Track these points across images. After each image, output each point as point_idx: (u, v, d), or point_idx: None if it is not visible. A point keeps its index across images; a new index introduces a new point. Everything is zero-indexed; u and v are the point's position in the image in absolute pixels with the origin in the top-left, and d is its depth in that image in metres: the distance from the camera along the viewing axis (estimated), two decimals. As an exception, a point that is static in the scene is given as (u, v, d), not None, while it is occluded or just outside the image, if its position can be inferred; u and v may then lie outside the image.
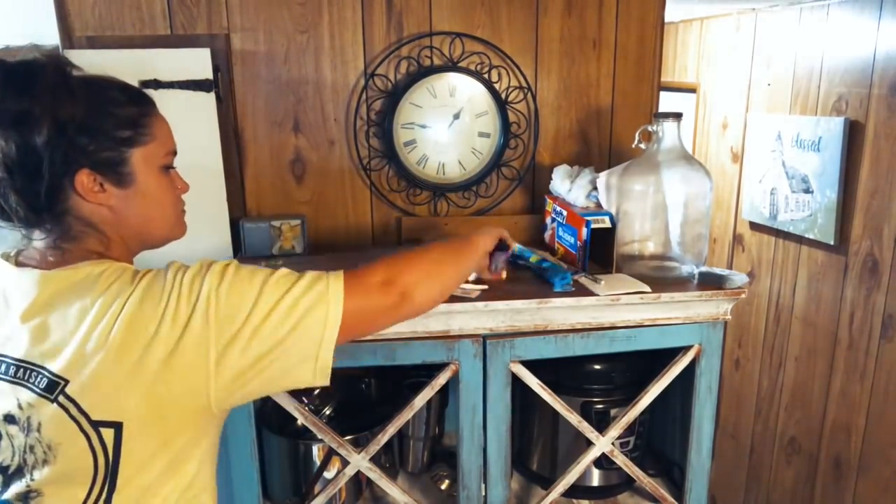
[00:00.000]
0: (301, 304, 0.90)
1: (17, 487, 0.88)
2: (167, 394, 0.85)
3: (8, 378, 0.87)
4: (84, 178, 0.89)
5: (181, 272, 0.89)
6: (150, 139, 0.95)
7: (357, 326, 0.96)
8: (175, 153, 1.01)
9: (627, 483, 1.60)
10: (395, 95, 1.63)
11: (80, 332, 0.85)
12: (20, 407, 0.86)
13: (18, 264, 0.93)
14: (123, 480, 0.86)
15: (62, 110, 0.86)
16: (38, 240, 0.92)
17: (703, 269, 1.38)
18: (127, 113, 0.92)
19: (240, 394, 0.90)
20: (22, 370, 0.86)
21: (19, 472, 0.88)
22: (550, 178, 1.64)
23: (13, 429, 0.87)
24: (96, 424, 0.84)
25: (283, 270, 0.93)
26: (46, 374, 0.85)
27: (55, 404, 0.84)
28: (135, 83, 1.49)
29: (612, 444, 1.43)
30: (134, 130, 0.93)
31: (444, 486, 1.59)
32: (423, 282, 1.03)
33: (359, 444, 1.37)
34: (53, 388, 0.84)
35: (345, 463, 1.37)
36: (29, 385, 0.85)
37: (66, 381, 0.84)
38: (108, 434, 0.85)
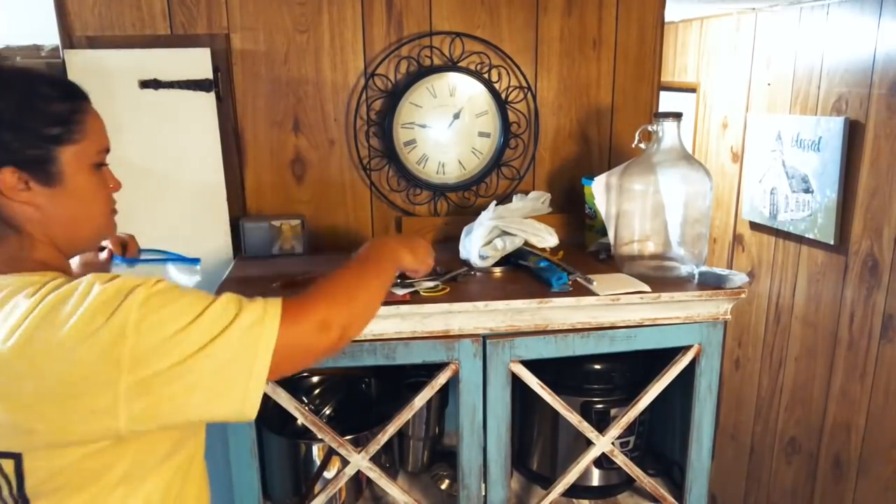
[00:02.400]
0: (231, 336, 0.83)
1: None
2: (65, 422, 0.79)
3: None
4: (7, 177, 0.85)
5: (88, 291, 0.81)
6: (81, 137, 0.91)
7: (291, 361, 0.90)
8: (108, 150, 0.98)
9: (627, 483, 1.60)
10: (395, 95, 1.63)
11: None
12: None
13: None
14: None
15: None
16: None
17: (703, 268, 1.38)
18: (57, 109, 0.89)
19: (153, 420, 0.82)
20: None
21: None
22: (546, 180, 1.64)
23: None
24: None
25: (217, 307, 0.84)
26: None
27: None
28: (135, 83, 1.50)
29: (612, 443, 1.43)
30: (63, 128, 0.89)
31: (444, 486, 1.59)
32: (360, 318, 0.99)
33: (359, 444, 1.37)
34: None
35: (345, 462, 1.37)
36: None
37: None
38: (7, 465, 0.82)
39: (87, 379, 0.78)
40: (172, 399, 0.81)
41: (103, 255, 1.25)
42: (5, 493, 0.83)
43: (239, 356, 0.83)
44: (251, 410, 0.85)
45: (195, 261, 1.26)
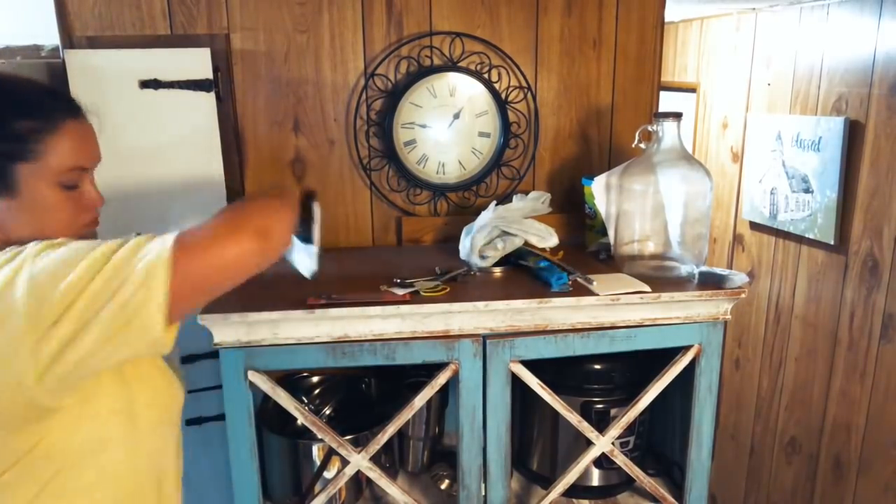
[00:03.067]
0: (119, 279, 0.82)
1: None
2: None
3: None
4: None
5: (9, 266, 0.82)
6: (38, 156, 0.90)
7: (202, 287, 0.89)
8: (83, 169, 0.97)
9: (627, 483, 1.60)
10: (395, 95, 1.63)
11: None
12: None
13: None
14: None
15: None
16: None
17: (703, 268, 1.38)
18: (18, 126, 0.89)
19: (70, 376, 0.83)
20: None
21: None
22: (546, 180, 1.64)
23: None
24: None
25: (107, 245, 0.85)
26: None
27: None
28: (135, 83, 1.50)
29: (612, 443, 1.43)
30: (19, 145, 0.89)
31: (444, 486, 1.59)
32: (274, 218, 0.97)
33: (359, 444, 1.37)
34: None
35: (345, 462, 1.37)
36: None
37: None
38: None
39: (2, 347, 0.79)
40: (79, 348, 0.81)
41: None
42: None
43: (126, 302, 0.82)
44: (162, 346, 0.85)
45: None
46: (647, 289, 1.32)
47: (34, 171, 0.90)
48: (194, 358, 1.54)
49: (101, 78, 1.48)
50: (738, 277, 1.33)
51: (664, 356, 1.40)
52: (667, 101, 2.06)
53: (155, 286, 0.82)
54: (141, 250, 0.84)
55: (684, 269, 1.41)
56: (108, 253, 0.83)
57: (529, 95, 1.71)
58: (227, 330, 1.24)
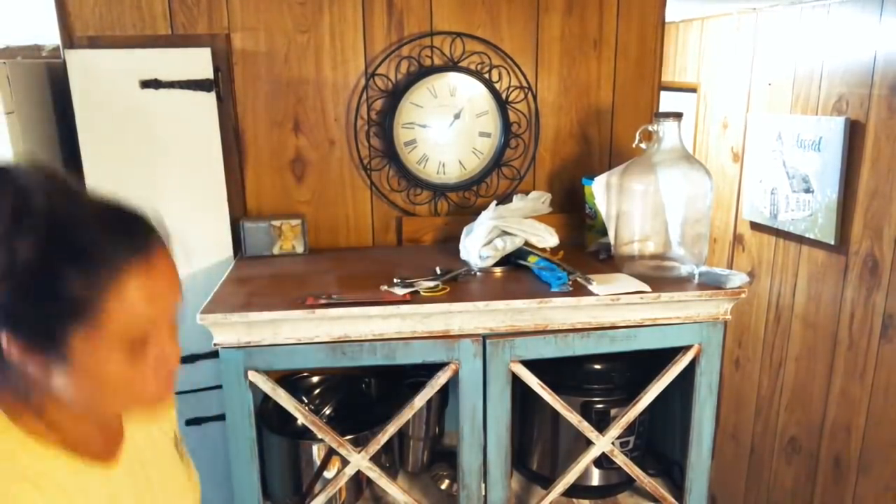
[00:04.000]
0: None
1: None
2: None
3: None
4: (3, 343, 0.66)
5: None
6: (100, 316, 0.68)
7: None
8: (157, 321, 0.74)
9: (627, 483, 1.60)
10: (395, 95, 1.63)
11: None
12: None
13: None
14: None
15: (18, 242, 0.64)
16: None
17: (704, 268, 1.38)
18: (71, 285, 0.66)
19: None
20: None
21: None
22: (547, 180, 1.64)
23: None
24: None
25: None
26: None
27: None
28: (135, 83, 1.50)
29: (612, 443, 1.43)
30: (72, 306, 0.67)
31: (444, 486, 1.59)
32: None
33: (359, 444, 1.37)
34: None
35: (345, 462, 1.37)
36: None
37: None
38: None
39: None
40: None
41: None
42: None
43: None
44: None
45: None
46: (648, 289, 1.32)
47: (89, 333, 0.68)
48: (194, 358, 1.55)
49: (101, 78, 1.48)
50: (738, 277, 1.33)
51: (664, 356, 1.40)
52: (667, 101, 2.06)
53: None
54: None
55: (684, 269, 1.41)
56: None
57: (530, 95, 1.71)
58: (228, 330, 1.24)
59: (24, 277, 0.65)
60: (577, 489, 1.54)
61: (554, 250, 1.51)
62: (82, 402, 0.74)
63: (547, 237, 1.46)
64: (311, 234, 1.66)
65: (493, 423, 1.35)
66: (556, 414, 1.42)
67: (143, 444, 0.87)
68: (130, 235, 0.71)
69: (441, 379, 1.32)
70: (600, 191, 1.52)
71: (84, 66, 1.47)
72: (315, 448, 1.47)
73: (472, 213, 1.66)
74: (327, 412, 1.66)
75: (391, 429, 1.34)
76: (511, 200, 1.61)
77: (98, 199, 0.72)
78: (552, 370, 1.41)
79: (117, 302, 0.68)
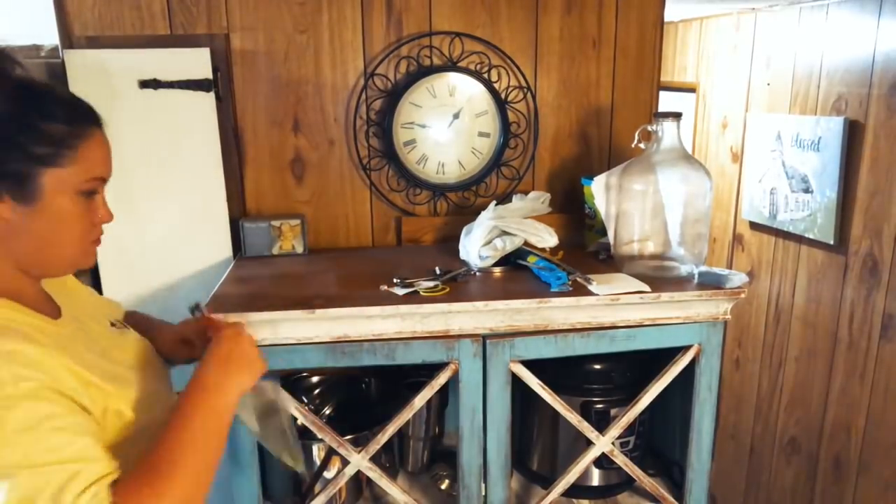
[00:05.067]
0: None
1: None
2: None
3: None
4: None
5: None
6: (71, 161, 0.88)
7: None
8: (104, 180, 0.94)
9: (627, 483, 1.60)
10: (394, 95, 1.63)
11: None
12: None
13: None
14: None
15: None
16: None
17: (703, 268, 1.38)
18: (52, 130, 0.86)
19: None
20: None
21: None
22: (546, 180, 1.64)
23: None
24: None
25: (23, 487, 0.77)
26: None
27: None
28: (135, 83, 1.50)
29: (612, 443, 1.43)
30: (52, 149, 0.86)
31: (444, 486, 1.59)
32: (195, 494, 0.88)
33: (359, 444, 1.37)
34: None
35: (345, 462, 1.37)
36: None
37: None
38: None
39: None
40: None
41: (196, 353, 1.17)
42: None
43: None
44: None
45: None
46: (647, 289, 1.32)
47: (59, 177, 0.87)
48: (195, 358, 1.54)
49: (100, 78, 1.48)
50: (738, 277, 1.33)
51: (664, 356, 1.40)
52: (666, 101, 2.06)
53: None
54: None
55: (684, 269, 1.41)
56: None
57: (529, 95, 1.71)
58: (227, 330, 1.23)
59: (7, 131, 0.84)
60: (577, 489, 1.54)
61: (553, 250, 1.51)
62: (44, 241, 0.89)
63: (546, 237, 1.46)
64: (310, 235, 1.66)
65: (492, 423, 1.35)
66: (556, 414, 1.41)
67: (75, 313, 1.01)
68: (92, 110, 0.93)
69: (441, 379, 1.32)
70: (600, 191, 1.52)
71: (83, 67, 1.47)
72: (315, 448, 1.47)
73: (471, 213, 1.66)
74: (327, 412, 1.66)
75: (391, 429, 1.34)
76: (510, 200, 1.61)
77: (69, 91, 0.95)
78: (552, 370, 1.41)
79: (85, 153, 0.89)
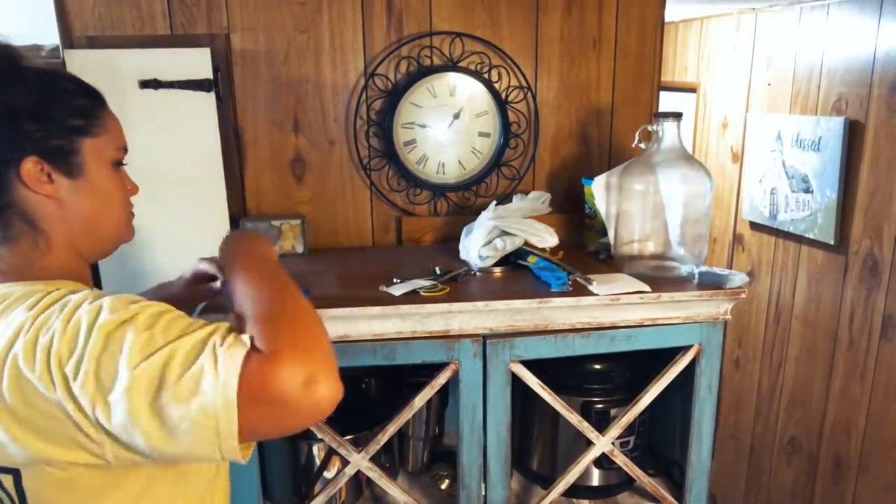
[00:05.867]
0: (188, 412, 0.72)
1: None
2: (46, 442, 0.75)
3: None
4: (30, 166, 0.84)
5: (74, 316, 0.76)
6: (103, 131, 0.92)
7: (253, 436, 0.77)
8: (126, 150, 0.97)
9: (627, 483, 1.60)
10: (395, 95, 1.63)
11: None
12: None
13: None
14: None
15: (9, 96, 0.84)
16: None
17: (704, 268, 1.38)
18: (79, 103, 0.90)
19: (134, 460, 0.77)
20: None
21: None
22: (546, 180, 1.64)
23: None
24: None
25: (184, 349, 0.74)
26: None
27: None
28: (135, 83, 1.50)
29: (612, 443, 1.43)
30: (86, 120, 0.90)
31: (444, 486, 1.59)
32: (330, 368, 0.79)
33: (359, 444, 1.37)
34: None
35: (345, 462, 1.37)
36: None
37: None
38: (7, 480, 0.80)
39: (65, 408, 0.73)
40: (141, 439, 0.73)
41: (216, 284, 1.20)
42: None
43: (198, 424, 0.73)
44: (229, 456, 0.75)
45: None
46: (647, 289, 1.32)
47: (97, 147, 0.91)
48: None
49: (100, 78, 1.46)
50: (738, 277, 1.33)
51: (664, 356, 1.40)
52: (667, 101, 2.06)
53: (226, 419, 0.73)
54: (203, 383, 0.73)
55: (684, 269, 1.41)
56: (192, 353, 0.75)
57: (529, 95, 1.71)
58: (227, 330, 1.24)
59: (38, 109, 0.86)
60: (577, 489, 1.54)
61: (554, 250, 1.51)
62: (95, 214, 0.92)
63: (547, 237, 1.46)
64: (310, 234, 1.66)
65: (493, 423, 1.35)
66: (556, 414, 1.41)
67: None
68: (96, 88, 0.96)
69: (441, 379, 1.32)
70: (600, 191, 1.52)
71: (83, 66, 1.47)
72: (315, 448, 1.47)
73: (471, 213, 1.66)
74: (327, 412, 1.66)
75: (391, 429, 1.34)
76: (511, 200, 1.61)
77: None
78: (552, 370, 1.41)
79: (111, 121, 0.94)
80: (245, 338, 0.76)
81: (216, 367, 0.73)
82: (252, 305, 0.87)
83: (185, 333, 0.76)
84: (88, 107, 0.91)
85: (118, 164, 0.95)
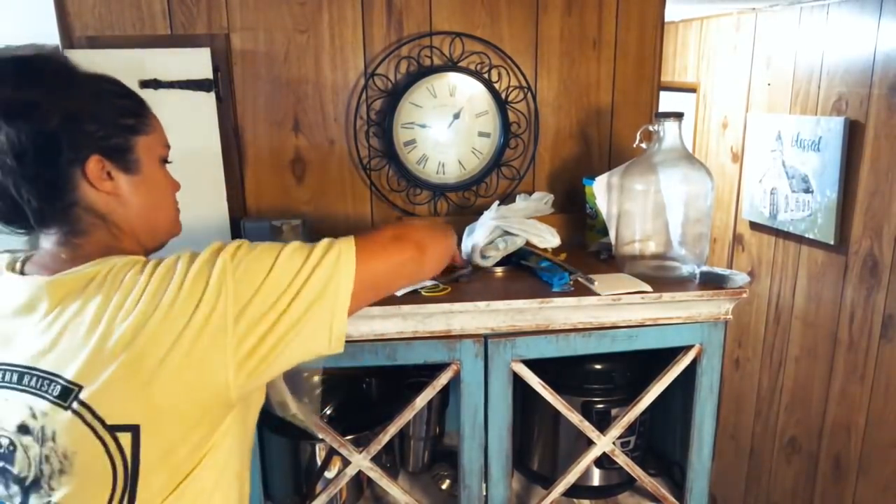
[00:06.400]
0: (314, 276, 0.89)
1: (35, 500, 0.86)
2: (184, 388, 0.84)
3: (18, 387, 0.85)
4: (93, 165, 0.90)
5: (190, 259, 0.87)
6: (151, 129, 0.97)
7: (373, 288, 0.98)
8: (169, 147, 1.03)
9: (628, 483, 1.60)
10: (395, 95, 1.63)
11: (95, 335, 0.82)
12: (34, 416, 0.84)
13: (24, 273, 0.92)
14: (144, 484, 0.84)
15: (70, 99, 0.89)
16: (48, 237, 0.92)
17: (705, 268, 1.38)
18: (128, 103, 0.96)
19: (258, 373, 0.88)
20: (35, 378, 0.84)
21: (36, 484, 0.86)
22: (547, 180, 1.64)
23: (27, 439, 0.85)
24: (112, 429, 0.82)
25: (295, 244, 0.92)
26: (61, 381, 0.83)
27: (69, 411, 0.82)
28: (135, 83, 1.50)
29: (613, 443, 1.43)
30: (136, 119, 0.95)
31: (444, 486, 1.59)
32: (431, 238, 1.06)
33: (360, 444, 1.37)
34: (67, 394, 0.82)
35: (346, 463, 1.37)
36: (42, 394, 0.83)
37: (80, 387, 0.82)
38: (125, 439, 0.83)
39: (199, 340, 0.83)
40: (272, 345, 0.87)
41: None
42: (119, 469, 0.83)
43: (320, 296, 0.89)
44: (338, 345, 0.92)
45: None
46: (649, 289, 1.32)
47: (148, 144, 0.96)
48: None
49: (101, 78, 1.48)
50: (740, 277, 1.33)
51: (665, 356, 1.40)
52: (667, 101, 2.06)
53: (346, 273, 0.91)
54: (332, 247, 0.93)
55: (685, 269, 1.41)
56: (300, 255, 0.91)
57: (529, 95, 1.71)
58: (228, 330, 1.23)
59: (96, 110, 0.91)
60: (577, 489, 1.54)
61: (556, 251, 1.51)
62: (152, 208, 0.98)
63: (549, 237, 1.46)
64: (310, 235, 1.66)
65: (494, 422, 1.35)
66: (557, 414, 1.41)
67: None
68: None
69: (442, 379, 1.32)
70: (601, 191, 1.52)
71: (83, 66, 1.47)
72: (316, 448, 1.47)
73: (472, 214, 1.66)
74: (328, 412, 1.66)
75: (392, 429, 1.34)
76: (513, 201, 1.61)
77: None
78: (553, 370, 1.41)
79: (153, 120, 0.99)
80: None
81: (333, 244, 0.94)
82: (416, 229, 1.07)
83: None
84: (136, 106, 0.97)
85: (165, 160, 1.01)
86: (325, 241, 0.93)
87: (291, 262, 0.89)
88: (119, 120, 0.93)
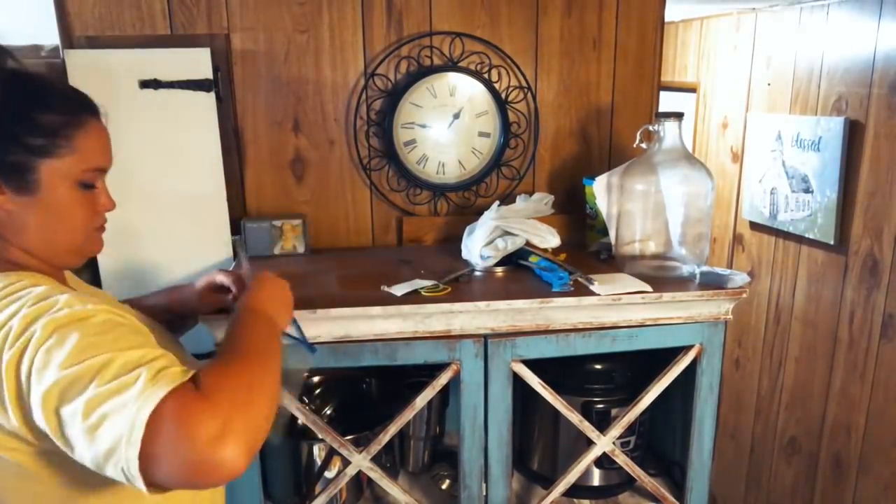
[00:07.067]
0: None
1: None
2: None
3: None
4: None
5: (20, 313, 0.78)
6: (67, 152, 0.88)
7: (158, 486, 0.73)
8: (103, 170, 0.95)
9: (628, 482, 1.60)
10: (395, 95, 1.63)
11: None
12: None
13: None
14: None
15: None
16: None
17: (705, 268, 1.38)
18: (47, 121, 0.87)
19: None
20: None
21: None
22: (547, 180, 1.64)
23: None
24: None
25: (124, 359, 0.74)
26: None
27: None
28: (135, 83, 1.50)
29: (613, 443, 1.43)
30: (48, 140, 0.86)
31: (444, 486, 1.59)
32: (262, 423, 0.78)
33: (360, 444, 1.37)
34: None
35: (346, 463, 1.36)
36: None
37: None
38: None
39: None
40: (48, 428, 0.74)
41: (228, 297, 1.20)
42: None
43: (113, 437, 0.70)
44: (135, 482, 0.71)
45: (313, 350, 1.18)
46: (649, 289, 1.32)
47: (57, 168, 0.87)
48: (196, 358, 1.54)
49: (101, 78, 1.48)
50: (740, 277, 1.33)
51: (665, 356, 1.40)
52: (667, 101, 2.06)
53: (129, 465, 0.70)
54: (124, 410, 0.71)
55: (685, 269, 1.41)
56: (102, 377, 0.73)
57: (529, 95, 1.71)
58: (228, 330, 1.23)
59: (4, 124, 0.84)
60: (577, 489, 1.54)
61: (556, 251, 1.50)
62: (47, 230, 0.90)
63: (549, 237, 1.46)
64: (310, 234, 1.66)
65: (494, 422, 1.35)
66: (557, 414, 1.41)
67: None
68: (89, 101, 0.93)
69: (442, 379, 1.31)
70: (601, 191, 1.52)
71: (83, 67, 1.47)
72: (316, 448, 1.47)
73: (472, 213, 1.66)
74: (328, 412, 1.66)
75: (392, 429, 1.34)
76: (514, 201, 1.61)
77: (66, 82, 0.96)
78: (553, 370, 1.41)
79: (82, 144, 0.89)
80: (190, 373, 0.76)
81: (147, 381, 0.71)
82: (228, 345, 0.87)
83: (133, 347, 0.76)
84: (57, 125, 0.87)
85: (86, 185, 0.92)
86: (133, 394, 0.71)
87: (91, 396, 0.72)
88: (25, 137, 0.85)
